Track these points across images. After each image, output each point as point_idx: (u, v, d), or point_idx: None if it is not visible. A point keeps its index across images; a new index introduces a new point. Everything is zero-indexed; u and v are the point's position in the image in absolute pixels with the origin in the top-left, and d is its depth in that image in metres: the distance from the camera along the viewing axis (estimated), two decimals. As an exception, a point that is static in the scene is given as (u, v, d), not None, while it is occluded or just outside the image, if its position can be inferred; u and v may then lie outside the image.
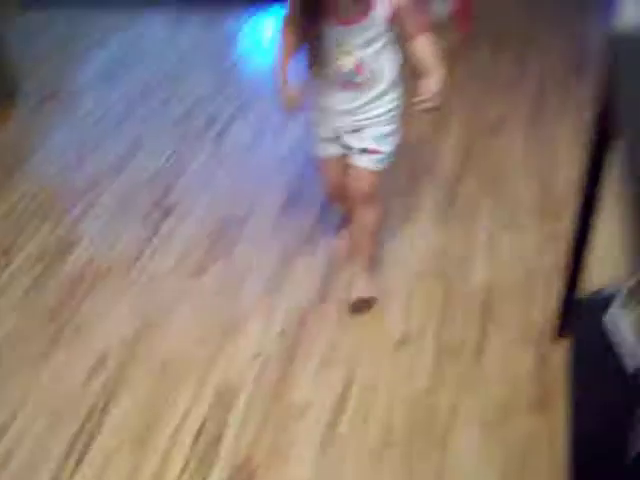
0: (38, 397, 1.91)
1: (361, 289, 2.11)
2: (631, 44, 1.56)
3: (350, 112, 1.92)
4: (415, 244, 2.30)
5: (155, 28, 3.91)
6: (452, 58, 3.25)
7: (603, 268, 2.09)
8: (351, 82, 1.86)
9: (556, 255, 2.18)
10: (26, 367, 1.99)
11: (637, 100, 1.33)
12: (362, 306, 2.10)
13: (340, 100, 1.91)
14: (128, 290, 2.22)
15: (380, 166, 1.98)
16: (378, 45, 1.83)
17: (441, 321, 2.03)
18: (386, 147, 1.96)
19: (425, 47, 1.83)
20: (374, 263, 2.18)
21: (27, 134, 3.05)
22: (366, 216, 2.05)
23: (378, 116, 1.92)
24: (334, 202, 2.22)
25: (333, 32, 1.78)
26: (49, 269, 2.31)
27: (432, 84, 1.81)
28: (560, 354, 1.88)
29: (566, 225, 2.23)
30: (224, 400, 1.86)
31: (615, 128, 1.33)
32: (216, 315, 2.11)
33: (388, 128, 1.94)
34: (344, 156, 2.01)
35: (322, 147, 2.04)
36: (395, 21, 1.82)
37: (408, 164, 2.63)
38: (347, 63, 1.83)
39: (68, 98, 3.28)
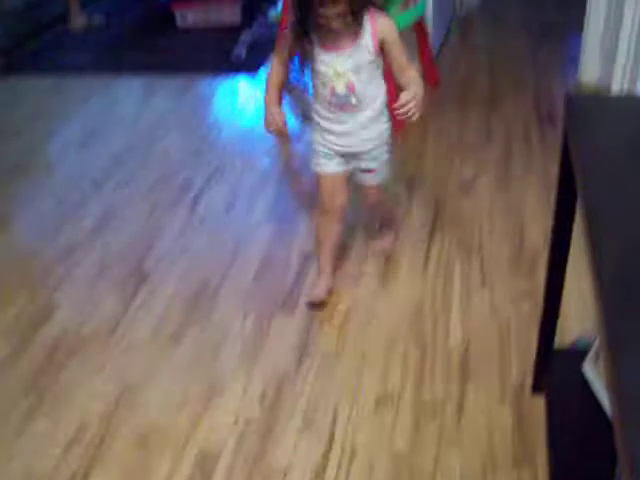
0: (15, 469, 1.88)
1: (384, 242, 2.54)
2: (588, 103, 1.61)
3: (348, 133, 2.12)
4: (390, 303, 2.33)
5: (129, 94, 3.99)
6: (422, 121, 3.34)
7: (579, 319, 2.14)
8: (347, 104, 2.06)
9: (530, 310, 2.21)
10: (2, 439, 1.96)
11: (594, 159, 1.37)
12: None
13: (338, 121, 2.10)
14: (106, 358, 2.20)
15: (381, 180, 2.28)
16: (367, 72, 2.03)
17: (419, 380, 2.04)
18: (381, 165, 2.23)
19: (415, 77, 2.07)
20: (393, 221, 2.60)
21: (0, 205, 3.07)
22: (378, 209, 2.50)
23: (371, 139, 2.15)
24: (327, 215, 2.30)
25: (326, 57, 2.00)
26: (26, 339, 2.29)
27: (409, 94, 2.01)
28: (539, 407, 1.90)
29: (538, 280, 2.28)
30: (205, 466, 1.84)
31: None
32: (195, 381, 2.10)
33: (381, 150, 2.20)
34: (342, 173, 2.23)
35: (321, 164, 2.21)
36: (382, 52, 2.04)
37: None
38: (341, 85, 2.03)
39: (42, 168, 3.30)
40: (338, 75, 2.00)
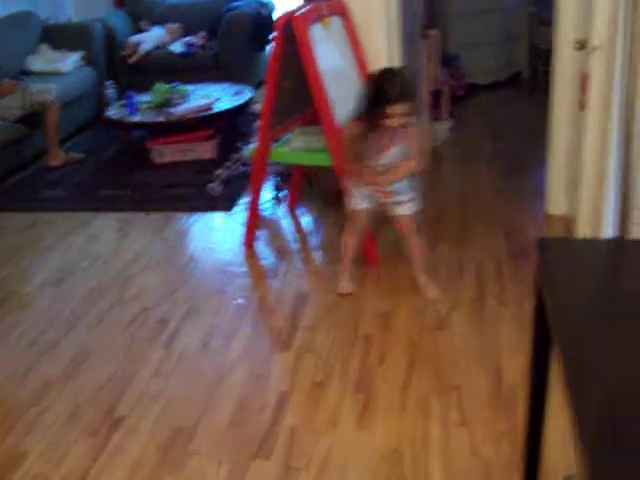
0: None
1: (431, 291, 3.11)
2: (559, 246, 1.65)
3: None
4: (368, 445, 2.28)
5: (106, 230, 4.04)
6: (394, 259, 3.39)
7: (563, 453, 2.10)
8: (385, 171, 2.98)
9: (511, 449, 2.18)
10: None
11: (565, 304, 1.40)
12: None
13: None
14: (75, 511, 2.13)
15: (412, 210, 3.06)
16: (400, 159, 2.94)
17: (401, 527, 1.99)
18: (409, 196, 3.04)
19: (404, 165, 2.97)
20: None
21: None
22: (414, 245, 3.12)
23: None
24: (356, 236, 3.16)
25: (381, 153, 2.93)
26: (-8, 490, 2.22)
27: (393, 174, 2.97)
28: None
29: (518, 418, 2.26)
30: None
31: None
32: (168, 534, 2.02)
33: (407, 186, 3.04)
34: (370, 208, 3.08)
35: (358, 203, 3.06)
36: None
37: (359, 359, 2.66)
38: (386, 163, 2.96)
39: (16, 306, 3.29)
40: (383, 162, 2.95)
